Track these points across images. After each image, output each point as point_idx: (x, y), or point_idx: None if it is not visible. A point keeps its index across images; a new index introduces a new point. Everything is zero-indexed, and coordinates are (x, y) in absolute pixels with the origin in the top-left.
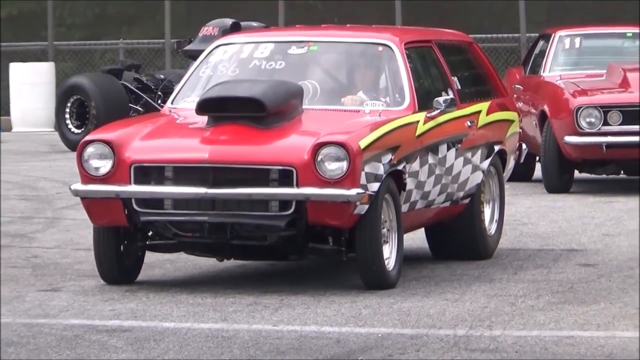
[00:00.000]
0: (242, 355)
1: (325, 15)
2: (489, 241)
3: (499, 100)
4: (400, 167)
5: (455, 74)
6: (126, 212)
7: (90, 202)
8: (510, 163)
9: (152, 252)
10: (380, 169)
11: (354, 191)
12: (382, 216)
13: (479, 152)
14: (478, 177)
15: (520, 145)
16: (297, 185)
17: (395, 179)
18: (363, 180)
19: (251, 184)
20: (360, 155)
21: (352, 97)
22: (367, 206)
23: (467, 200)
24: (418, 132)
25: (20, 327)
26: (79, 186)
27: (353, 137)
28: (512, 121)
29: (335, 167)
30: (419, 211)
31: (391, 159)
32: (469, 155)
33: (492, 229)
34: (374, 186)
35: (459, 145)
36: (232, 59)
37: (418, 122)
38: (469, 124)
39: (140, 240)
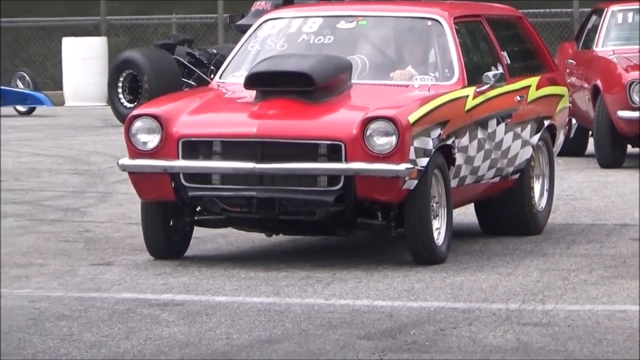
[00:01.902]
0: (294, 329)
1: None
2: (538, 216)
3: (549, 75)
4: (449, 142)
5: (505, 49)
6: (174, 187)
7: (138, 177)
8: (560, 138)
9: (200, 227)
10: (430, 144)
11: (402, 166)
12: (432, 191)
13: (529, 126)
14: (528, 152)
15: (570, 120)
16: (346, 160)
17: (445, 153)
18: (412, 155)
19: (299, 159)
20: (409, 129)
21: (401, 72)
22: (416, 181)
23: (516, 176)
24: (467, 106)
25: (72, 301)
26: (126, 161)
27: (402, 111)
28: (561, 96)
29: (384, 141)
30: (469, 186)
31: (440, 133)
32: (518, 130)
33: (542, 204)
34: (423, 161)
35: (509, 120)
36: (280, 33)
37: (467, 96)
38: (518, 98)
39: (189, 215)
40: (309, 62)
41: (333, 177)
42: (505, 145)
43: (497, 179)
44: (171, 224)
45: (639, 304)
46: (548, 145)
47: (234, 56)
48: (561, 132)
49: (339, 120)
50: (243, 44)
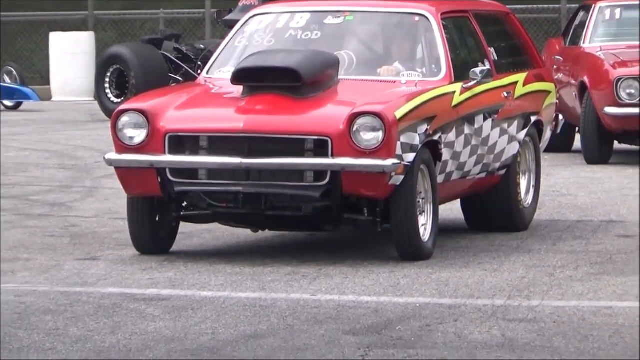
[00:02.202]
0: (280, 324)
1: None
2: (524, 212)
3: (536, 72)
4: (436, 138)
5: (492, 45)
6: (160, 182)
7: (125, 172)
8: (547, 134)
9: (186, 222)
10: (416, 139)
11: (389, 161)
12: (418, 187)
13: (515, 122)
14: (514, 147)
15: (557, 116)
16: (332, 156)
17: (431, 149)
18: (399, 151)
19: (286, 154)
20: (396, 125)
21: (388, 68)
22: (402, 177)
23: (503, 171)
24: (454, 102)
25: (58, 296)
26: (113, 155)
27: (389, 107)
28: (548, 92)
29: (370, 137)
30: (455, 182)
31: (427, 129)
32: (505, 125)
33: (528, 200)
34: (410, 157)
35: (495, 116)
36: (267, 29)
37: (454, 92)
38: (505, 94)
39: (175, 210)
40: (296, 57)
41: (319, 173)
42: (492, 140)
43: (483, 175)
44: (157, 219)
45: (639, 300)
46: (535, 141)
47: (221, 52)
48: (548, 128)
49: (326, 115)
50: (230, 40)
